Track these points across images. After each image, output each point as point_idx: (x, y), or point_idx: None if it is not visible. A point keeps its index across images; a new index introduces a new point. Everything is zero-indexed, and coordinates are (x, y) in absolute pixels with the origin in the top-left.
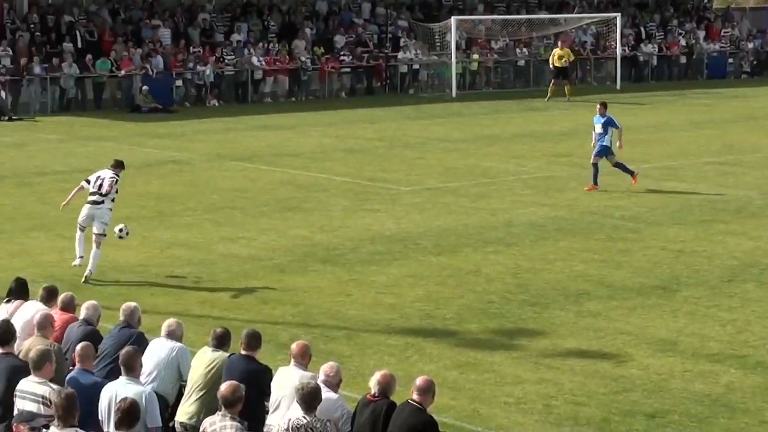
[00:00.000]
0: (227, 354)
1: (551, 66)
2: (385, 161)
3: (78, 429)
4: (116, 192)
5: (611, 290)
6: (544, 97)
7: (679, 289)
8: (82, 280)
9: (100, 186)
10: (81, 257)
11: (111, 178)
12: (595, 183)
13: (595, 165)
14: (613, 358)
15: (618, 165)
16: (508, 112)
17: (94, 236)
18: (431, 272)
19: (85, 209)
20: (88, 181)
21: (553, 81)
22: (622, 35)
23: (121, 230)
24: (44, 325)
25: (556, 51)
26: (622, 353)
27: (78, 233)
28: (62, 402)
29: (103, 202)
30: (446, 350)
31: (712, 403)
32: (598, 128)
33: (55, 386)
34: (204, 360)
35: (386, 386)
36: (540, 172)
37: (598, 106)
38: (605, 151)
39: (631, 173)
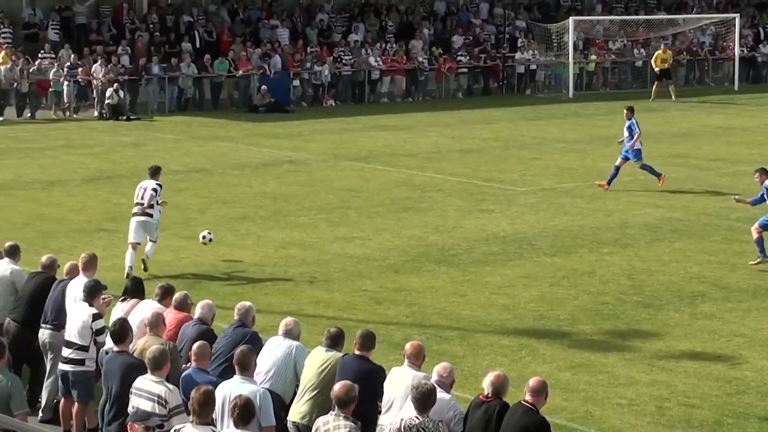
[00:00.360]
0: (341, 354)
1: (654, 68)
2: (501, 162)
3: (213, 427)
4: (158, 203)
5: (726, 292)
6: (661, 97)
7: None
8: (143, 268)
9: (142, 197)
10: (131, 267)
11: (152, 190)
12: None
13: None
14: (727, 360)
15: (644, 167)
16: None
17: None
18: (545, 273)
19: (134, 223)
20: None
21: (656, 83)
22: (741, 36)
23: (204, 237)
24: (156, 323)
25: (659, 53)
26: (736, 355)
27: (130, 251)
28: (199, 398)
29: (151, 215)
30: (559, 351)
31: None
32: (626, 132)
33: (171, 386)
34: (317, 359)
35: (499, 387)
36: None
37: (625, 111)
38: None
39: (658, 175)
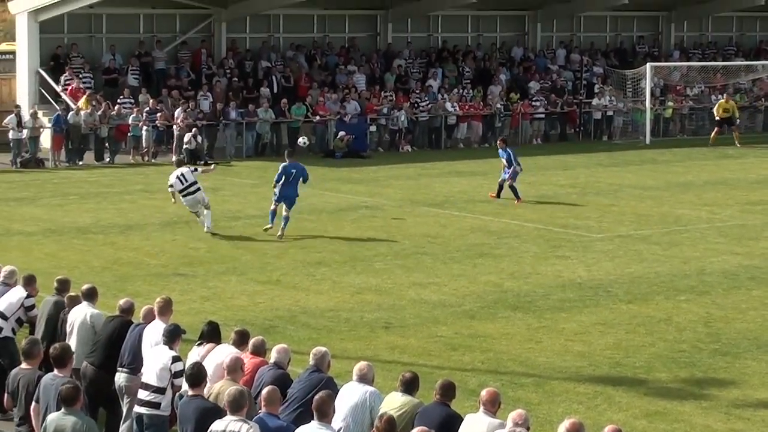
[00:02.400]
0: (417, 400)
1: (716, 116)
2: (577, 208)
3: None
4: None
5: None
6: (720, 144)
7: None
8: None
9: (186, 180)
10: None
11: (192, 171)
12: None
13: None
14: None
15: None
16: (702, 159)
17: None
18: (621, 320)
19: (186, 201)
20: (172, 186)
21: (716, 129)
22: None
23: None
24: (234, 368)
25: (721, 102)
26: None
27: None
28: None
29: (198, 189)
30: (635, 399)
31: None
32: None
33: (251, 422)
34: (393, 404)
35: None
36: (733, 220)
37: (498, 141)
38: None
39: (517, 197)
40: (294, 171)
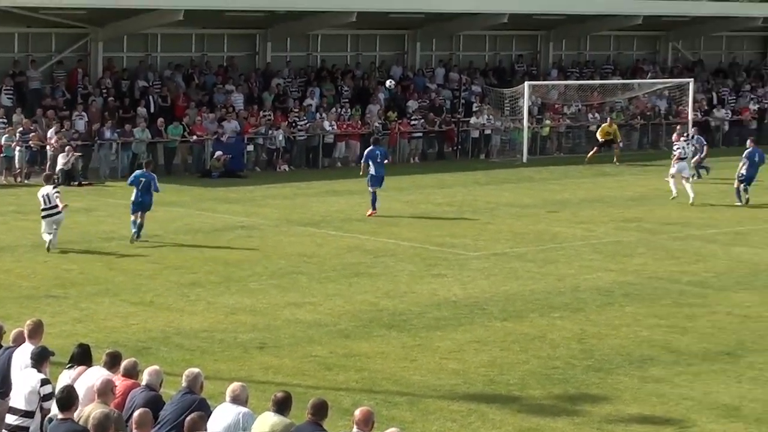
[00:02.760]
0: (289, 420)
1: (598, 137)
2: (454, 226)
3: None
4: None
5: (676, 356)
6: (595, 163)
7: (743, 355)
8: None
9: (50, 201)
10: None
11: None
12: None
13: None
14: (676, 423)
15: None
16: (579, 177)
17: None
18: (496, 337)
19: (45, 221)
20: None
21: (596, 149)
22: (695, 100)
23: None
24: (105, 391)
25: (604, 126)
26: (685, 419)
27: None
28: None
29: (59, 212)
30: (509, 416)
31: None
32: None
33: None
34: (265, 424)
35: None
36: (608, 237)
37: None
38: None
39: (374, 208)
40: (143, 179)
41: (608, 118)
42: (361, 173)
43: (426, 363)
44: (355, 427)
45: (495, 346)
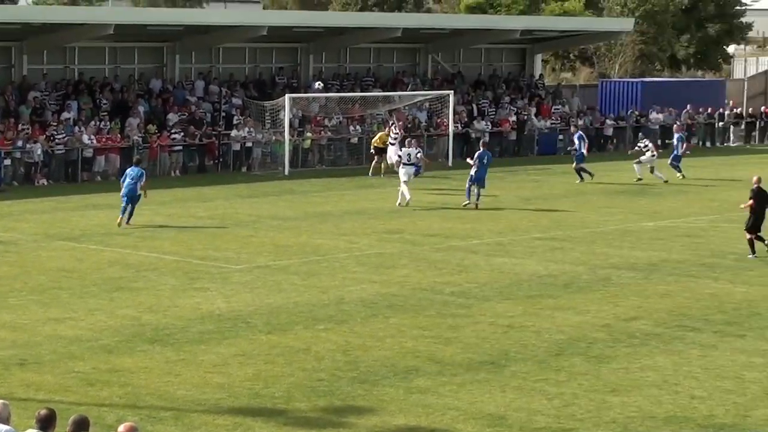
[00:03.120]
0: None
1: (372, 146)
2: (216, 240)
3: None
4: None
5: (440, 366)
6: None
7: (507, 364)
8: None
9: None
10: None
11: None
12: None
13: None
14: None
15: None
16: (341, 190)
17: None
18: (261, 351)
19: None
20: None
21: (375, 159)
22: (455, 112)
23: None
24: None
25: (382, 135)
26: (451, 429)
27: None
28: None
29: None
30: (275, 429)
31: None
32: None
33: None
34: None
35: None
36: (371, 249)
37: None
38: None
39: None
40: (132, 173)
41: (386, 127)
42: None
43: (190, 377)
44: None
45: (260, 359)
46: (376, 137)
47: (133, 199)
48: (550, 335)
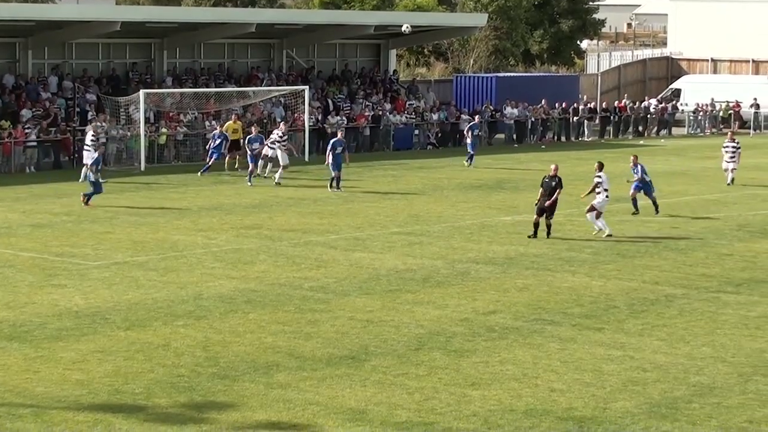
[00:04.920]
0: None
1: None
2: (73, 236)
3: None
4: None
5: (301, 361)
6: (236, 168)
7: (367, 359)
8: None
9: None
10: None
11: None
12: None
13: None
14: (304, 429)
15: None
16: (197, 185)
17: None
18: (120, 347)
19: None
20: None
21: (229, 154)
22: (310, 107)
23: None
24: None
25: (229, 124)
26: (312, 423)
27: None
28: None
29: None
30: (136, 425)
31: None
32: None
33: None
34: None
35: None
36: (229, 245)
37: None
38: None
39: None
40: None
41: (232, 115)
42: None
43: (49, 374)
44: None
45: (119, 355)
46: (226, 127)
47: None
48: (409, 330)
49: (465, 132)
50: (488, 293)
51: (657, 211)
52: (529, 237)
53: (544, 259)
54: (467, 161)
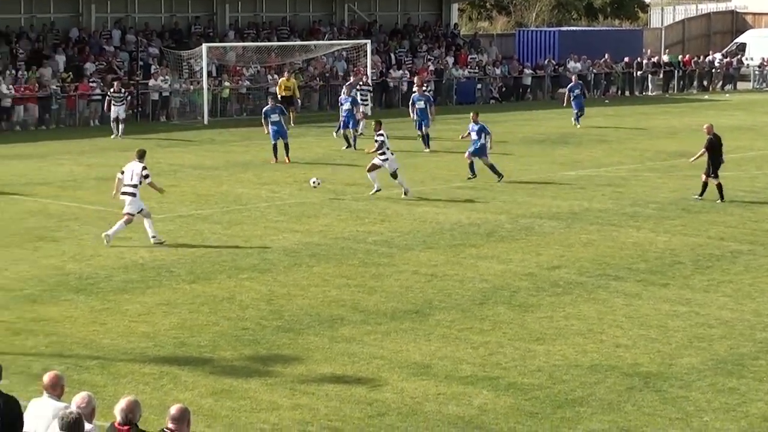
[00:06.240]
0: None
1: (278, 95)
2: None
3: None
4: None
5: (365, 315)
6: (296, 122)
7: (431, 313)
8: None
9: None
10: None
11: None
12: (473, 174)
13: (471, 163)
14: (368, 382)
15: (490, 166)
16: (260, 139)
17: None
18: (185, 300)
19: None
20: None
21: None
22: (372, 61)
23: (314, 182)
24: None
25: (282, 80)
26: (376, 377)
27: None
28: None
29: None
30: (201, 378)
31: (466, 425)
32: (473, 134)
33: None
34: None
35: (130, 413)
36: (293, 198)
37: (472, 114)
38: (480, 152)
39: (499, 175)
40: None
41: (285, 72)
42: None
43: (115, 326)
44: (45, 392)
45: (184, 308)
46: (279, 84)
47: None
48: (473, 284)
49: (566, 93)
50: (552, 248)
51: (499, 178)
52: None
53: (608, 214)
54: (574, 121)
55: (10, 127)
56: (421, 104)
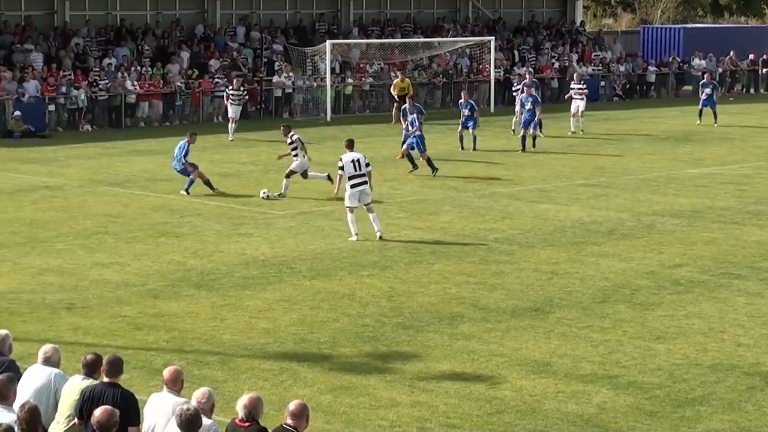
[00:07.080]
0: (97, 381)
1: (394, 95)
2: (260, 185)
3: None
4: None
5: (485, 312)
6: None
7: (551, 311)
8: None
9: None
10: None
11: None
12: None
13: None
14: (487, 380)
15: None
16: (382, 136)
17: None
18: (305, 296)
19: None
20: (342, 168)
21: (396, 106)
22: (496, 58)
23: (264, 194)
24: None
25: (396, 82)
26: (495, 375)
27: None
28: None
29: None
30: (320, 374)
31: (585, 424)
32: (528, 105)
33: None
34: (74, 388)
35: (253, 409)
36: (414, 195)
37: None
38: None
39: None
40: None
41: (398, 73)
42: None
43: (236, 322)
44: (165, 387)
45: (304, 304)
46: (393, 85)
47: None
48: (594, 282)
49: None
50: (674, 246)
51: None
52: None
53: (731, 212)
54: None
55: (134, 123)
56: (528, 105)
